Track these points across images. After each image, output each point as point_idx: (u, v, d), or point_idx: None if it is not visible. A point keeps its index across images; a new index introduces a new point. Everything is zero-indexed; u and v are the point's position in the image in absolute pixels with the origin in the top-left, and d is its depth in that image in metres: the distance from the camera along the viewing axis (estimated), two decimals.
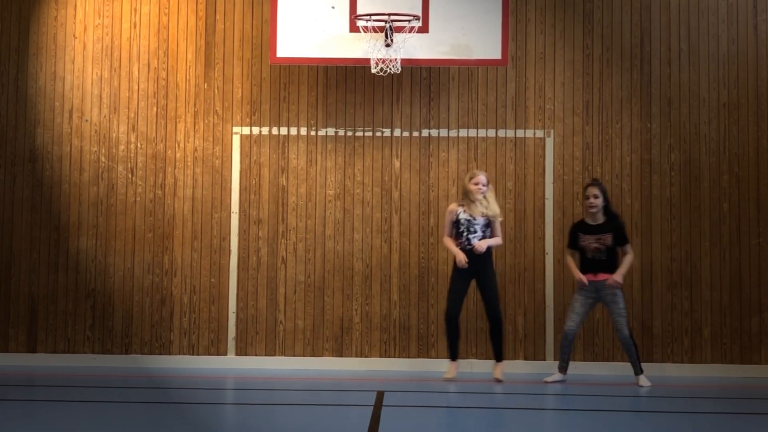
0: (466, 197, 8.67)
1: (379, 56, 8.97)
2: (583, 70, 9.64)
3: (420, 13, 9.05)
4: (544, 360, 9.37)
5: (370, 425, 6.07)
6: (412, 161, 9.58)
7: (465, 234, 8.59)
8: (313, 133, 9.62)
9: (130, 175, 9.58)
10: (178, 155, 9.59)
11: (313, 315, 9.46)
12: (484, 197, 8.65)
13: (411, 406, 7.21)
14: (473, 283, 8.69)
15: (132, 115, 9.62)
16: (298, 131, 9.61)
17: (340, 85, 9.63)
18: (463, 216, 8.62)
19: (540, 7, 9.67)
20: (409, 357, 9.41)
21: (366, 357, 9.36)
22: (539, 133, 9.58)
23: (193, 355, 9.42)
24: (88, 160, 9.59)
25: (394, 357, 9.37)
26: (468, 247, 8.55)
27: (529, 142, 9.58)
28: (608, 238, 8.52)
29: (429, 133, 9.60)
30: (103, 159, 9.58)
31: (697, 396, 8.11)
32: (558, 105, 9.61)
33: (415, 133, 9.59)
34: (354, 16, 9.05)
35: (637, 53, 9.63)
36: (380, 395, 7.44)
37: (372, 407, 6.82)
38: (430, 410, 7.10)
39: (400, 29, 8.99)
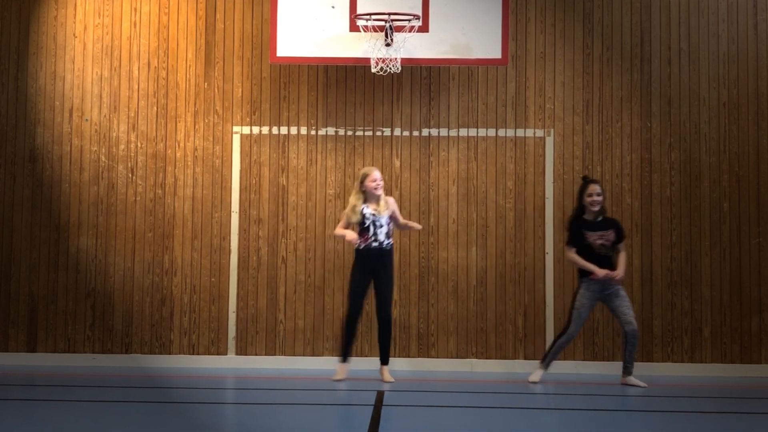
0: (365, 194, 8.47)
1: (379, 56, 8.97)
2: (583, 70, 9.64)
3: (420, 13, 9.05)
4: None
5: (370, 425, 6.07)
6: (412, 161, 9.58)
7: (372, 229, 8.42)
8: (313, 132, 9.62)
9: (130, 175, 9.58)
10: (178, 155, 9.59)
11: (313, 314, 9.46)
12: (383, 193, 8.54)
13: (411, 406, 7.21)
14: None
15: (132, 115, 9.62)
16: (299, 131, 9.61)
17: (340, 85, 9.63)
18: (368, 211, 8.45)
19: (540, 7, 9.66)
20: (409, 356, 9.41)
21: (366, 357, 9.36)
22: (539, 133, 9.58)
23: (193, 354, 9.42)
24: (88, 160, 9.59)
25: (394, 356, 9.37)
26: (375, 244, 8.39)
27: (529, 142, 9.58)
28: (611, 235, 8.49)
29: (429, 132, 9.59)
30: (103, 158, 9.59)
31: (697, 396, 8.11)
32: (558, 104, 9.61)
33: (415, 133, 9.59)
34: (354, 15, 9.05)
35: (637, 53, 9.63)
36: (380, 395, 7.44)
37: (372, 407, 6.82)
38: (430, 410, 7.10)
39: (400, 29, 8.99)
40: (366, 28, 9.00)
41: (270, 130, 9.61)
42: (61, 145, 9.59)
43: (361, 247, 8.40)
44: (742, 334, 9.41)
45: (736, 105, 9.57)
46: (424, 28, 9.08)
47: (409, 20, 8.97)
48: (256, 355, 9.39)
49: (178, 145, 9.59)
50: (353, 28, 9.07)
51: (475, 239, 9.49)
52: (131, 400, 7.31)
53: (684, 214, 9.51)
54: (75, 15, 9.69)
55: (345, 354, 8.49)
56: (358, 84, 9.63)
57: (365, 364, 9.25)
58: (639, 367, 9.29)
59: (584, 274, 8.47)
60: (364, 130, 9.61)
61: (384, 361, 8.50)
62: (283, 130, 9.61)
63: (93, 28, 9.68)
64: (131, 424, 6.17)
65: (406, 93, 9.62)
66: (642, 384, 8.35)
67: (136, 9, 9.69)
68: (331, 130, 9.61)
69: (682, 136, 9.58)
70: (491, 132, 9.59)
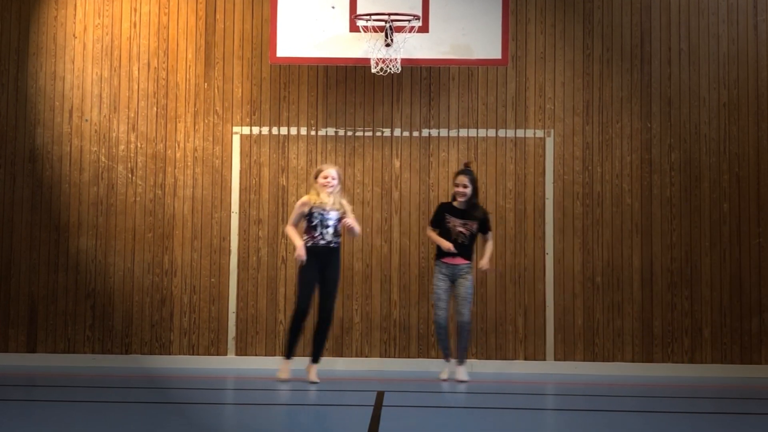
0: (316, 191, 8.41)
1: (379, 56, 8.97)
2: (583, 70, 9.64)
3: (420, 13, 9.05)
4: (544, 360, 9.37)
5: (370, 425, 6.07)
6: (412, 161, 9.58)
7: (319, 228, 8.37)
8: (313, 132, 9.61)
9: (130, 175, 9.58)
10: (178, 155, 9.59)
11: (313, 315, 9.44)
12: (335, 192, 8.43)
13: (411, 406, 7.21)
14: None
15: (132, 115, 9.62)
16: (298, 131, 9.61)
17: (340, 85, 9.63)
18: (316, 210, 8.39)
19: (540, 7, 9.66)
20: (409, 357, 9.41)
21: (366, 357, 9.36)
22: (539, 133, 9.58)
23: (193, 355, 9.42)
24: (88, 160, 9.59)
25: (394, 357, 9.37)
26: (322, 242, 8.34)
27: (530, 142, 9.58)
28: (474, 225, 8.62)
29: (429, 132, 9.59)
30: (103, 159, 9.58)
31: (697, 396, 8.11)
32: (558, 105, 9.61)
33: (415, 133, 9.59)
34: (354, 15, 9.05)
35: (637, 53, 9.63)
36: (380, 395, 7.44)
37: (372, 407, 6.81)
38: (431, 410, 7.10)
39: (400, 29, 8.99)
40: (366, 29, 9.00)
41: (270, 130, 9.61)
42: (61, 145, 9.59)
43: (309, 244, 8.36)
44: (742, 334, 9.41)
45: (736, 105, 9.57)
46: (424, 29, 9.08)
47: (409, 20, 8.97)
48: (256, 355, 9.39)
49: (178, 146, 9.59)
50: (353, 28, 9.07)
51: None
52: (131, 400, 7.31)
53: (684, 214, 9.51)
54: (75, 15, 9.69)
55: (290, 352, 8.40)
56: (358, 84, 9.63)
57: (365, 364, 9.25)
58: (639, 367, 9.32)
59: (438, 256, 8.61)
60: (364, 131, 9.61)
61: (315, 360, 8.42)
62: (283, 130, 9.61)
63: (93, 28, 9.68)
64: (131, 425, 6.16)
65: (406, 93, 9.62)
66: (463, 378, 8.46)
67: (136, 9, 9.69)
68: (331, 131, 9.61)
69: (682, 137, 9.58)
70: (491, 132, 9.59)
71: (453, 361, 8.62)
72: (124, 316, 9.47)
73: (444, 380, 8.56)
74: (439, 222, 8.70)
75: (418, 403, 7.40)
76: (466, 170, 8.72)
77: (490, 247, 8.75)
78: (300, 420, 6.62)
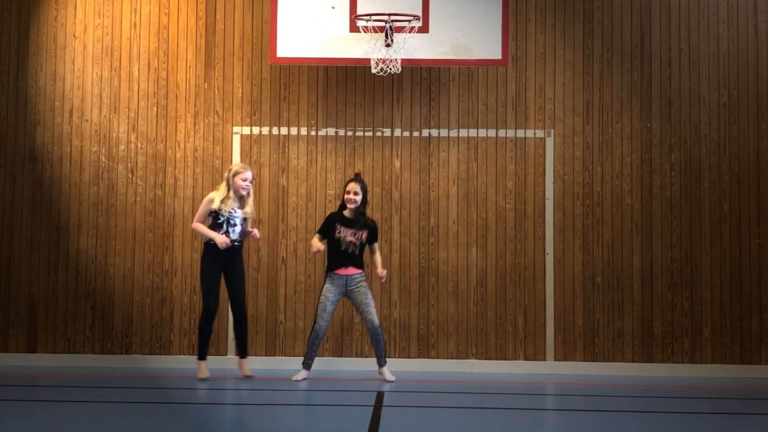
0: (229, 190, 8.51)
1: (380, 56, 8.97)
2: (583, 71, 9.64)
3: (420, 14, 9.05)
4: (544, 360, 9.37)
5: (370, 425, 6.07)
6: (413, 161, 9.58)
7: (225, 226, 8.45)
8: (313, 133, 9.62)
9: (130, 175, 9.58)
10: (178, 155, 9.59)
11: (313, 315, 9.44)
12: (247, 194, 8.57)
13: (411, 407, 7.21)
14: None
15: (132, 115, 9.62)
16: (299, 131, 9.61)
17: (341, 85, 9.63)
18: (225, 208, 8.48)
19: (540, 8, 9.67)
20: (409, 357, 9.41)
21: (366, 357, 9.36)
22: (539, 133, 9.58)
23: (193, 355, 9.41)
24: (89, 160, 9.59)
25: (394, 357, 9.36)
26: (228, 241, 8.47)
27: (530, 142, 9.58)
28: (364, 235, 8.55)
29: (429, 133, 9.59)
30: (103, 159, 9.58)
31: (697, 396, 8.11)
32: (558, 105, 9.61)
33: (416, 133, 9.59)
34: (354, 16, 9.05)
35: (637, 53, 9.63)
36: (380, 395, 7.44)
37: (372, 407, 6.81)
38: (431, 411, 7.10)
39: (400, 29, 8.99)
40: (366, 29, 9.00)
41: (270, 130, 9.61)
42: (61, 145, 9.59)
43: (212, 242, 8.44)
44: (742, 335, 9.41)
45: (737, 106, 9.57)
46: (424, 29, 9.09)
47: (409, 21, 8.97)
48: (256, 355, 9.38)
49: (178, 146, 9.59)
50: (353, 28, 9.07)
51: (476, 240, 9.49)
52: (131, 400, 7.31)
53: (684, 215, 9.51)
54: (75, 15, 9.69)
55: (204, 352, 8.59)
56: (358, 84, 9.63)
57: (365, 364, 9.25)
58: (640, 367, 9.32)
59: (329, 269, 8.53)
60: (364, 131, 9.61)
61: (243, 355, 8.63)
62: (283, 130, 9.61)
63: (93, 28, 9.68)
64: (131, 425, 6.16)
65: (406, 93, 9.62)
66: (390, 378, 8.47)
67: (136, 9, 9.69)
68: (331, 131, 9.61)
69: (682, 137, 9.58)
70: (491, 133, 9.59)
71: (307, 370, 8.50)
72: (124, 317, 9.47)
73: (297, 381, 8.38)
74: (327, 231, 8.56)
75: (418, 404, 7.40)
76: (357, 178, 8.64)
77: (378, 257, 8.69)
78: (300, 420, 6.62)
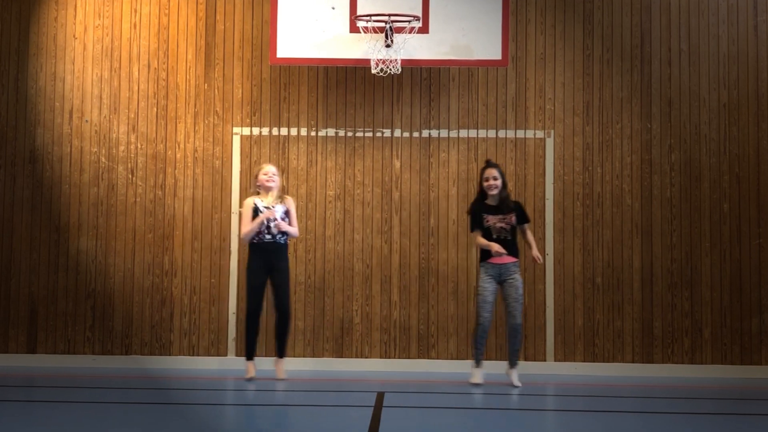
0: (259, 188, 8.57)
1: (380, 57, 8.97)
2: (583, 71, 9.64)
3: (420, 14, 9.05)
4: (545, 360, 9.37)
5: (370, 426, 6.07)
6: (413, 162, 9.58)
7: (265, 223, 8.47)
8: (313, 133, 9.62)
9: (130, 176, 9.58)
10: (178, 156, 9.59)
11: (313, 315, 9.45)
12: (277, 188, 8.60)
13: (411, 407, 7.21)
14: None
15: (132, 116, 9.62)
16: (299, 132, 9.61)
17: (341, 86, 9.63)
18: (261, 205, 8.50)
19: (540, 8, 9.67)
20: (409, 358, 9.41)
21: (366, 358, 9.36)
22: (539, 134, 9.58)
23: (193, 355, 9.42)
24: (89, 161, 9.59)
25: (395, 358, 9.37)
26: (267, 237, 8.44)
27: (530, 143, 9.58)
28: (513, 218, 8.43)
29: (429, 133, 9.59)
30: (103, 159, 9.59)
31: (697, 397, 8.11)
32: (558, 105, 9.61)
33: (416, 134, 9.59)
34: (354, 16, 9.05)
35: (637, 54, 9.63)
36: (380, 396, 7.44)
37: (372, 408, 6.82)
38: (431, 411, 7.10)
39: (400, 30, 8.99)
40: (366, 29, 9.00)
41: (270, 131, 9.61)
42: (61, 146, 9.59)
43: (255, 240, 8.44)
44: (743, 335, 9.41)
45: (737, 106, 9.57)
46: (424, 29, 9.09)
47: (409, 21, 8.98)
48: (256, 356, 9.37)
49: (178, 146, 9.59)
50: (353, 29, 9.08)
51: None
52: (131, 401, 7.31)
53: (684, 215, 9.51)
54: (75, 16, 9.69)
55: (251, 352, 8.53)
56: (358, 85, 9.63)
57: (365, 365, 9.25)
58: (640, 368, 9.32)
59: (482, 258, 8.39)
60: (364, 131, 9.61)
61: (281, 354, 8.57)
62: (283, 131, 9.61)
63: (93, 29, 9.68)
64: (131, 426, 6.16)
65: (406, 94, 9.62)
66: (517, 383, 8.22)
67: (136, 10, 9.69)
68: (331, 131, 9.61)
69: (682, 137, 9.58)
70: (491, 133, 9.59)
71: (479, 368, 8.32)
72: (124, 317, 9.47)
73: (476, 384, 8.23)
74: (479, 224, 8.41)
75: (419, 404, 7.40)
76: (492, 163, 8.54)
77: (532, 236, 8.57)
78: (300, 420, 6.62)
